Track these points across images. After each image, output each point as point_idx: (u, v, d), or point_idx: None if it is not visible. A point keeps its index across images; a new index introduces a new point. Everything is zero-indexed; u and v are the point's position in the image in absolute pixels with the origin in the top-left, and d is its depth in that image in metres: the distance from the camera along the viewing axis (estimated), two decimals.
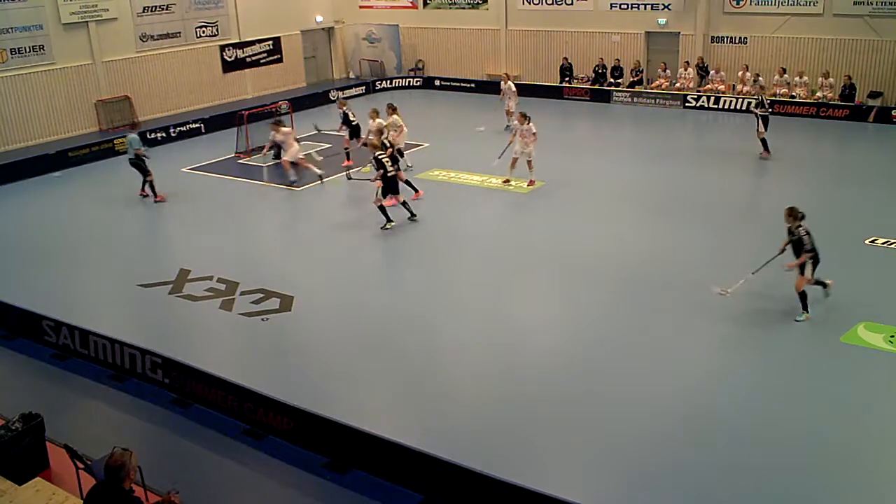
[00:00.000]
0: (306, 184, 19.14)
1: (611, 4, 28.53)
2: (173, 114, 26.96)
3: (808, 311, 11.47)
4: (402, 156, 20.07)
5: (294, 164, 19.32)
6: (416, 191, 17.41)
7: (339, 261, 14.84)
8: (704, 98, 26.26)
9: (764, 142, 19.78)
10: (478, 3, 31.69)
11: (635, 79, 28.21)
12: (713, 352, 10.94)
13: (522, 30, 30.69)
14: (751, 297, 11.87)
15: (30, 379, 11.08)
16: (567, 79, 29.44)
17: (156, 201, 18.50)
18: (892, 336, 10.88)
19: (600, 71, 28.78)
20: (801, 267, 11.42)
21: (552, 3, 29.84)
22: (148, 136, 24.05)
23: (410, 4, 33.27)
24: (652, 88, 27.76)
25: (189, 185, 19.71)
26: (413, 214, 16.13)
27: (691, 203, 16.80)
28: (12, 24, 23.27)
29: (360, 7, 34.29)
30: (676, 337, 11.27)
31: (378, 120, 18.73)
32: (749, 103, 24.68)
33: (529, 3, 30.39)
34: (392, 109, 19.79)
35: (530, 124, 17.75)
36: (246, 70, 30.34)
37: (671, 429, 9.16)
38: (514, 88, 24.10)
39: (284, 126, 19.70)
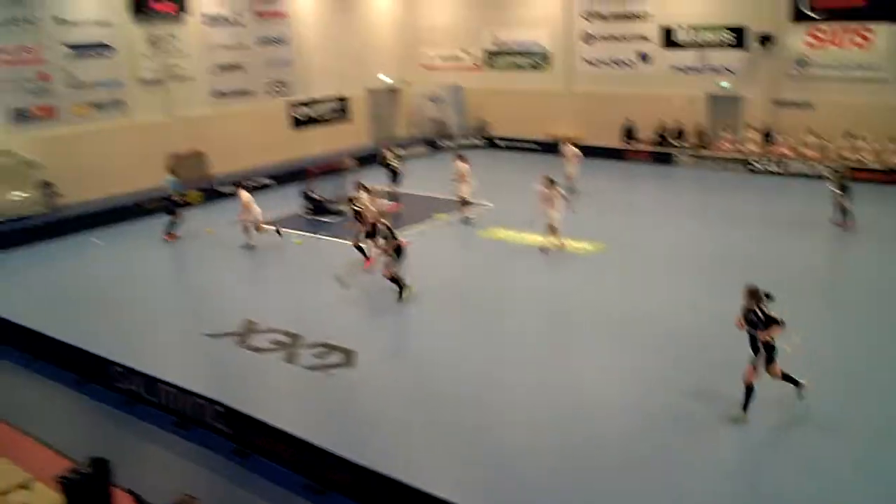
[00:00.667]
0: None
1: (673, 67, 28.67)
2: (244, 169, 27.69)
3: (745, 412, 10.36)
4: (465, 204, 20.59)
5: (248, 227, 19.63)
6: (367, 258, 17.37)
7: (402, 316, 15.02)
8: (769, 162, 26.01)
9: (847, 212, 19.09)
10: (541, 65, 32.18)
11: (698, 142, 28.11)
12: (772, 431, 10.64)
13: (585, 91, 31.00)
14: (821, 372, 11.45)
15: (99, 423, 11.40)
16: (630, 140, 29.52)
17: (165, 240, 20.01)
18: None
19: (663, 133, 28.81)
20: (767, 354, 10.26)
21: (614, 66, 30.16)
22: (219, 190, 24.96)
23: (474, 66, 33.97)
24: (715, 151, 27.61)
25: (258, 238, 20.20)
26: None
27: (755, 272, 16.41)
28: (95, 80, 24.55)
29: (425, 67, 35.14)
30: (728, 410, 10.85)
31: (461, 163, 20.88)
32: (819, 169, 24.37)
33: (592, 65, 30.77)
34: (460, 158, 21.14)
35: (556, 188, 18.04)
36: (314, 127, 31.26)
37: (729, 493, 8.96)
38: (573, 152, 24.12)
39: (245, 190, 19.81)
